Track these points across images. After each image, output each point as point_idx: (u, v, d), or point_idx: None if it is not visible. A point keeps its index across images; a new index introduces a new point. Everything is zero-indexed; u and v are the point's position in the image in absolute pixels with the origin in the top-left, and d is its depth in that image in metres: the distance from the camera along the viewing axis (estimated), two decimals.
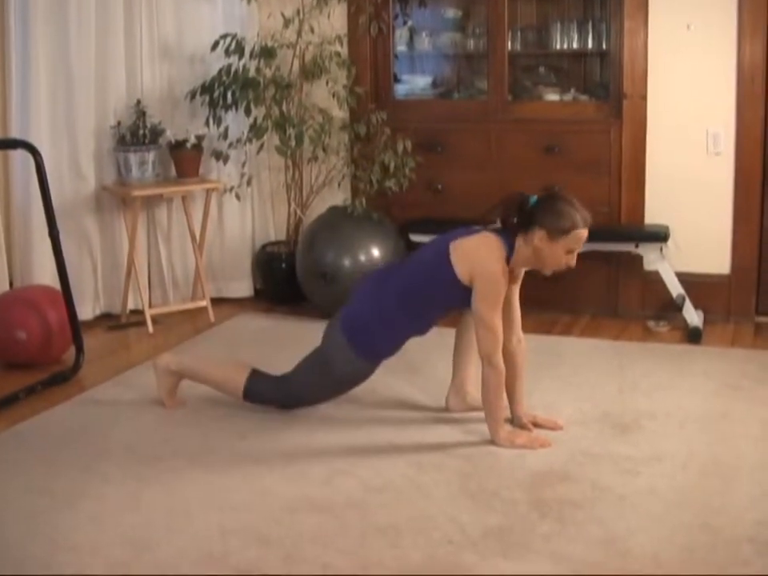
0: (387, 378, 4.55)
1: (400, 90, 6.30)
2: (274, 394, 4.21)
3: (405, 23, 6.31)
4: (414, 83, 6.33)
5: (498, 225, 3.92)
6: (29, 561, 3.06)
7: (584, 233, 3.81)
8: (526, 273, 4.06)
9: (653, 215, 5.71)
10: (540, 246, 3.79)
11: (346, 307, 4.12)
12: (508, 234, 3.85)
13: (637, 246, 5.53)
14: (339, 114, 6.09)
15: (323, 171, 6.16)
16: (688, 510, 3.34)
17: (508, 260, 3.84)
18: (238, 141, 5.97)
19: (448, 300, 3.97)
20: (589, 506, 3.37)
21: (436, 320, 4.10)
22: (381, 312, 4.00)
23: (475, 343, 4.02)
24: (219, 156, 5.94)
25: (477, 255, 3.81)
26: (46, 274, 5.40)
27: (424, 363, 4.81)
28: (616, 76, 5.72)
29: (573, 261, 3.87)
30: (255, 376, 4.20)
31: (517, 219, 3.83)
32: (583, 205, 3.84)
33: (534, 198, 3.83)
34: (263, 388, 4.21)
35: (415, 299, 3.97)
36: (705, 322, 5.47)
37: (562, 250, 3.80)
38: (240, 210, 6.25)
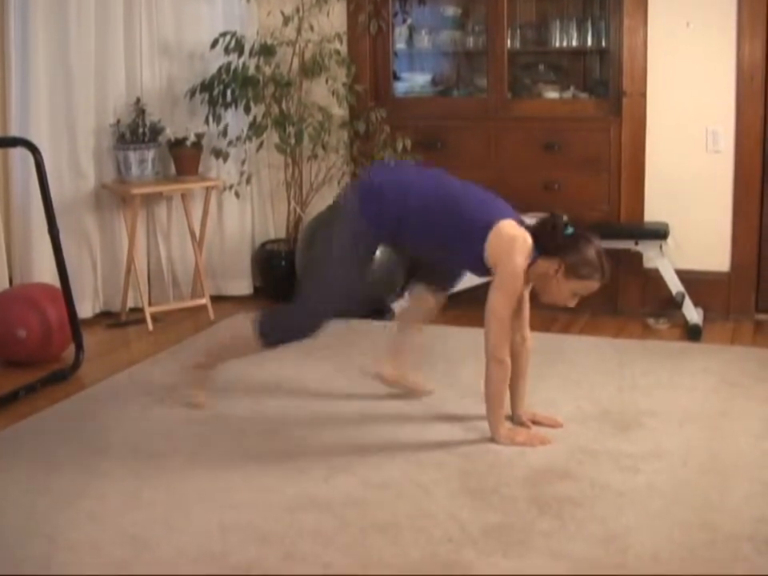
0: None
1: (399, 87, 6.30)
2: (290, 317, 4.11)
3: (404, 21, 6.31)
4: (414, 81, 6.33)
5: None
6: (28, 559, 3.06)
7: (596, 285, 3.84)
8: None
9: (652, 213, 5.72)
10: (553, 275, 3.79)
11: (373, 177, 4.14)
12: (538, 249, 3.84)
13: (636, 244, 5.53)
14: (339, 111, 6.09)
15: (323, 169, 6.16)
16: (687, 508, 3.34)
17: (529, 265, 3.83)
18: (238, 139, 5.97)
19: (461, 255, 3.94)
20: (588, 504, 3.38)
21: (434, 253, 4.08)
22: (400, 214, 3.93)
23: (523, 368, 4.07)
24: (219, 154, 5.94)
25: (510, 247, 3.77)
26: (45, 272, 5.40)
27: (426, 361, 4.81)
28: (615, 74, 5.72)
29: (573, 303, 3.89)
30: (260, 314, 4.10)
31: (546, 241, 3.81)
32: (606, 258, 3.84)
33: (570, 230, 3.81)
34: (275, 317, 4.13)
35: (435, 228, 3.91)
36: (704, 319, 5.48)
37: (569, 290, 3.82)
38: (240, 208, 6.25)
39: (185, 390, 4.38)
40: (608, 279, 3.86)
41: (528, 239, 3.81)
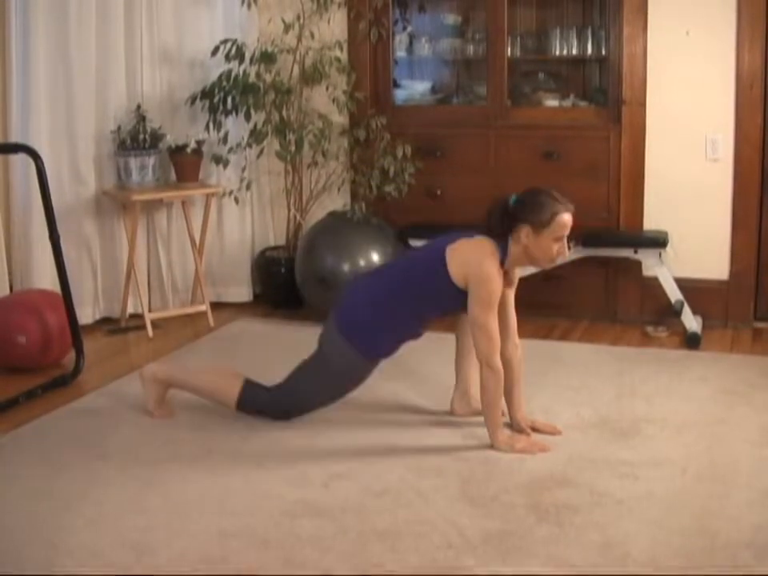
0: (386, 383, 4.56)
1: (399, 95, 6.31)
2: (269, 403, 4.19)
3: (404, 29, 6.32)
4: (414, 89, 6.34)
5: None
6: (29, 564, 3.07)
7: (567, 217, 3.85)
8: (524, 277, 4.07)
9: (652, 221, 5.72)
10: (527, 242, 3.82)
11: (338, 308, 4.14)
12: (501, 240, 3.87)
13: (636, 252, 5.54)
14: (339, 119, 6.10)
15: (323, 176, 6.17)
16: (686, 515, 3.35)
17: (502, 263, 3.86)
18: (238, 146, 5.98)
19: (441, 302, 3.99)
20: (587, 511, 3.38)
21: (430, 321, 4.11)
22: (374, 312, 4.02)
23: (518, 375, 4.09)
24: (219, 161, 5.95)
25: (472, 258, 3.83)
26: (46, 278, 5.41)
27: (423, 367, 4.82)
28: (615, 82, 5.73)
29: (564, 249, 3.89)
30: (249, 385, 4.18)
31: (501, 222, 3.86)
32: (564, 196, 3.88)
33: (513, 198, 3.88)
34: (258, 397, 4.19)
35: (408, 300, 3.98)
36: (703, 327, 5.48)
37: (549, 241, 3.83)
38: (240, 215, 6.26)
39: (152, 408, 4.34)
40: (572, 207, 3.87)
41: (484, 241, 3.87)
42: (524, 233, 3.82)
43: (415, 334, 4.13)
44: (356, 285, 4.25)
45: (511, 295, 4.08)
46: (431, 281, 3.93)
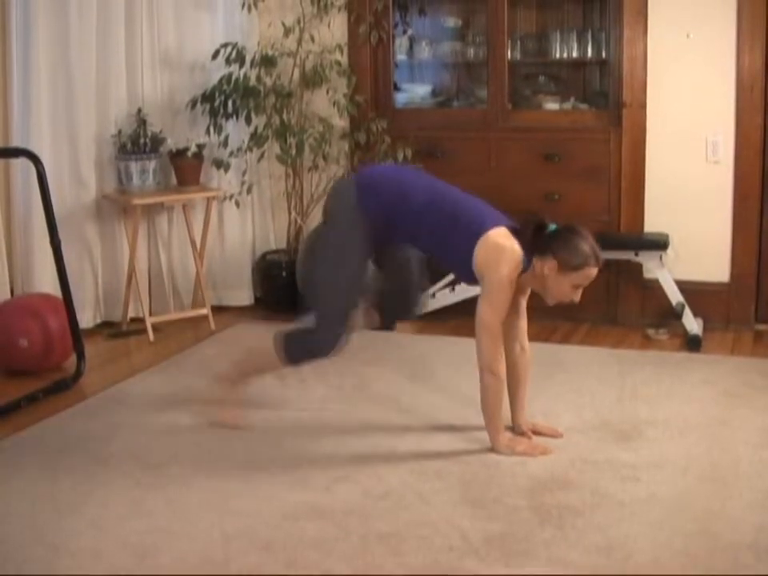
0: (388, 386, 4.56)
1: (400, 98, 6.32)
2: (307, 336, 4.04)
3: (405, 32, 6.33)
4: (414, 92, 6.35)
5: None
6: (31, 566, 3.07)
7: (594, 271, 3.79)
8: None
9: (652, 223, 5.73)
10: (548, 274, 3.78)
11: (369, 171, 4.15)
12: (529, 253, 3.82)
13: (636, 254, 5.54)
14: (339, 122, 6.11)
15: (323, 179, 6.17)
16: (688, 516, 3.34)
17: (521, 274, 3.83)
18: (239, 149, 5.98)
19: (451, 255, 3.94)
20: (589, 513, 3.38)
21: (426, 251, 4.09)
22: (398, 198, 3.94)
23: (523, 378, 4.08)
24: (220, 164, 5.95)
25: (496, 258, 3.77)
26: (46, 282, 5.41)
27: (426, 371, 4.82)
28: (615, 84, 5.74)
29: (577, 296, 3.86)
30: (282, 338, 4.07)
31: (532, 243, 3.79)
32: (597, 243, 3.81)
33: (553, 227, 3.81)
34: (296, 340, 4.07)
35: (430, 227, 3.90)
36: (704, 329, 5.48)
37: (568, 284, 3.79)
38: (240, 219, 6.26)
39: (217, 411, 4.31)
40: (603, 260, 3.81)
41: (517, 249, 3.79)
42: (549, 266, 3.76)
43: (411, 243, 4.07)
44: (399, 174, 4.18)
45: (524, 300, 4.06)
46: (455, 242, 3.86)
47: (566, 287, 3.81)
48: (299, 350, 4.07)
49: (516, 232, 3.85)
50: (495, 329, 3.80)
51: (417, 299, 4.33)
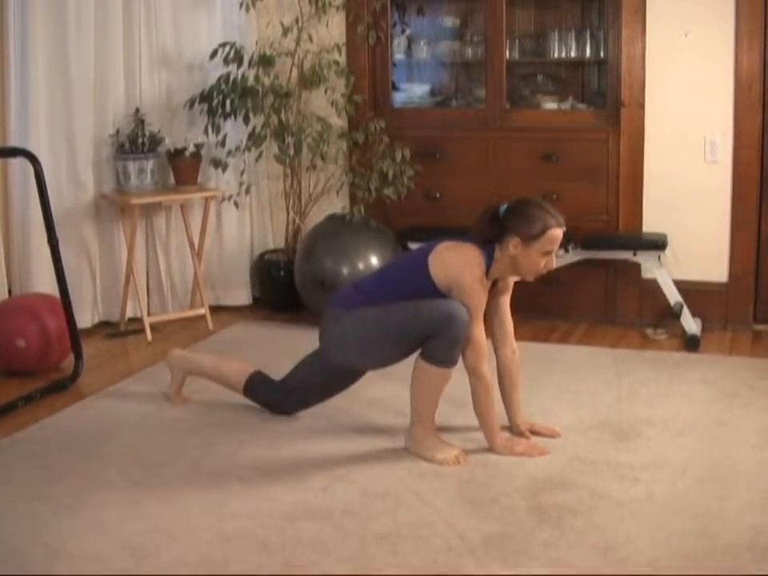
0: (386, 385, 4.56)
1: (398, 98, 6.31)
2: (273, 390, 4.30)
3: (403, 32, 6.32)
4: (412, 91, 6.34)
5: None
6: (29, 567, 3.07)
7: (557, 232, 3.79)
8: (521, 281, 4.05)
9: (651, 223, 5.72)
10: (515, 253, 3.77)
11: (332, 298, 4.22)
12: (488, 246, 3.84)
13: (635, 254, 5.54)
14: (338, 122, 6.10)
15: (322, 179, 6.17)
16: (686, 517, 3.34)
17: (487, 271, 3.84)
18: (237, 149, 5.98)
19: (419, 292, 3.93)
20: (587, 513, 3.38)
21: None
22: (368, 300, 4.00)
23: (509, 376, 4.08)
24: (218, 164, 5.95)
25: (454, 266, 3.79)
26: (44, 282, 5.41)
27: None
28: (614, 84, 5.73)
29: (551, 263, 3.85)
30: (259, 375, 4.33)
31: (490, 230, 3.81)
32: (556, 208, 3.84)
33: (503, 207, 3.82)
34: (264, 385, 4.31)
35: (397, 299, 3.93)
36: (702, 329, 5.48)
37: (537, 254, 3.78)
38: (238, 218, 6.26)
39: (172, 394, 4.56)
40: (563, 220, 3.81)
41: (471, 248, 3.81)
42: (512, 244, 3.76)
43: None
44: (351, 284, 4.25)
45: (506, 301, 4.05)
46: (416, 286, 3.88)
47: (536, 258, 3.80)
48: (260, 396, 4.36)
49: (471, 233, 3.89)
50: (475, 334, 3.79)
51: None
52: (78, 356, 4.94)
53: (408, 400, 3.96)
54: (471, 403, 3.92)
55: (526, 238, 3.75)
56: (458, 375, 4.04)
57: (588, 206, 5.79)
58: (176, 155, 5.82)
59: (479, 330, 3.81)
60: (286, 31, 5.94)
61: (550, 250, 3.80)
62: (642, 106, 5.65)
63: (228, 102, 5.88)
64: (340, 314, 4.02)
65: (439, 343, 3.78)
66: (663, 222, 5.68)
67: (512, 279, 4.02)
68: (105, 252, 5.86)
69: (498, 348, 4.04)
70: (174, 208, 6.02)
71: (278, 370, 4.31)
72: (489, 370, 3.88)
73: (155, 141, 5.76)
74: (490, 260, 3.82)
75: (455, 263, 3.80)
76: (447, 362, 3.82)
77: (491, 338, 4.03)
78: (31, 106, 5.42)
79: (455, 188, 6.02)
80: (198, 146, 5.85)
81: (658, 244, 5.52)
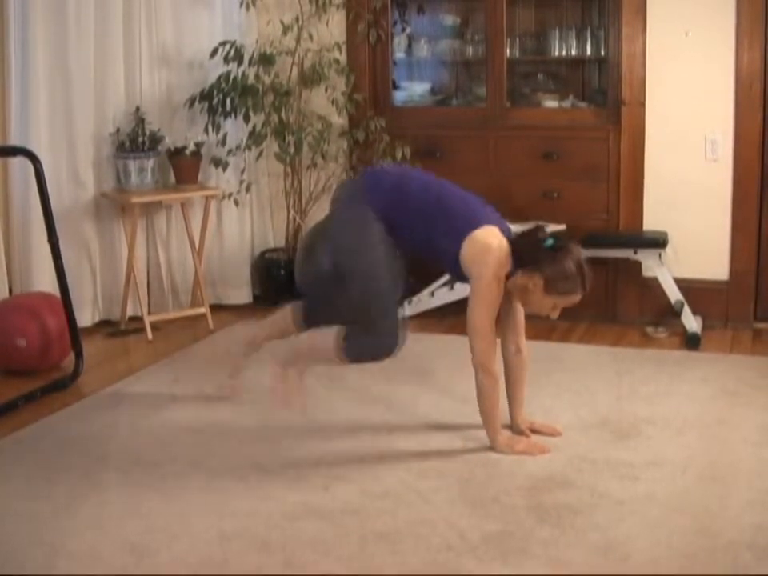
0: (387, 384, 4.56)
1: (398, 96, 6.32)
2: (367, 338, 4.05)
3: (403, 30, 6.33)
4: (413, 90, 6.34)
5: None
6: (29, 566, 3.06)
7: (578, 298, 3.80)
8: None
9: (651, 221, 5.72)
10: (532, 289, 3.76)
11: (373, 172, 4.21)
12: (517, 259, 3.82)
13: (635, 252, 5.54)
14: (338, 120, 6.10)
15: (322, 178, 6.17)
16: (687, 516, 3.34)
17: (507, 278, 3.82)
18: (237, 148, 5.98)
19: (441, 251, 3.91)
20: (588, 512, 3.38)
21: (420, 249, 4.03)
22: (401, 191, 3.98)
23: (513, 373, 4.06)
24: (218, 163, 5.95)
25: (481, 260, 3.77)
26: (45, 281, 5.40)
27: (424, 370, 4.81)
28: (614, 82, 5.73)
29: (556, 315, 3.87)
30: (345, 343, 4.06)
31: (525, 253, 3.77)
32: (589, 268, 3.79)
33: (550, 242, 3.76)
34: (359, 343, 4.07)
35: (425, 221, 3.91)
36: (703, 328, 5.48)
37: (550, 302, 3.79)
38: (239, 217, 6.26)
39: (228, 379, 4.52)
40: (588, 290, 3.80)
41: (504, 248, 3.79)
42: (534, 281, 3.74)
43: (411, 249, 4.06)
44: (402, 169, 4.27)
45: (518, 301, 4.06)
46: (444, 236, 3.85)
47: (547, 304, 3.81)
48: (363, 353, 4.09)
49: (510, 238, 3.86)
50: (486, 328, 3.78)
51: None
52: (79, 355, 4.94)
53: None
54: (472, 400, 3.91)
55: (550, 286, 3.74)
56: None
57: (588, 205, 5.79)
58: (176, 154, 5.82)
59: (490, 325, 3.80)
60: (286, 30, 5.94)
61: (562, 306, 3.83)
62: (643, 105, 5.64)
63: (228, 101, 5.88)
64: (358, 208, 3.97)
65: (359, 339, 3.95)
66: (664, 221, 5.68)
67: None
68: (105, 251, 5.85)
69: (504, 345, 4.03)
70: (175, 207, 6.02)
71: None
72: (498, 367, 3.88)
73: (155, 139, 5.75)
74: (513, 270, 3.80)
75: (485, 257, 3.77)
76: (347, 354, 4.01)
77: (500, 335, 4.01)
78: (31, 104, 5.42)
79: None
80: (199, 145, 5.84)
81: (658, 242, 5.51)
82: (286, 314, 4.33)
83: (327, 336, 4.10)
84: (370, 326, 3.98)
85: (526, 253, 3.78)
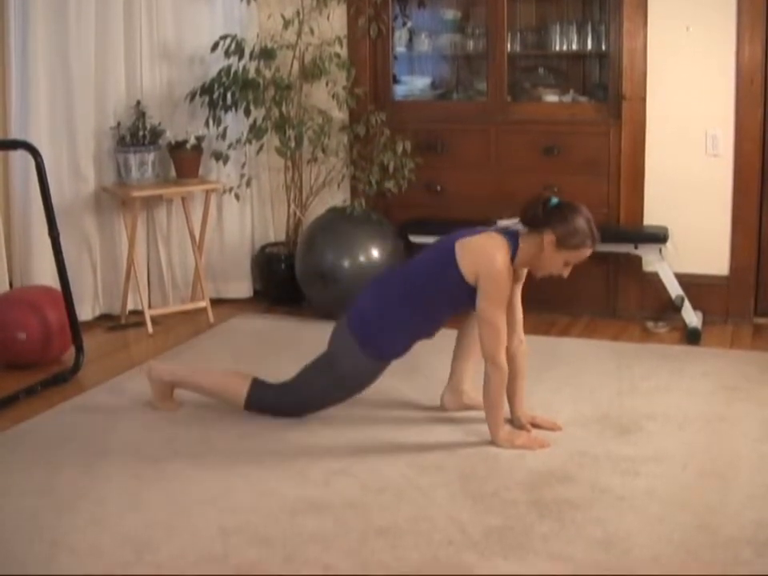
0: (388, 379, 4.55)
1: (399, 91, 6.31)
2: (278, 401, 4.19)
3: (404, 24, 6.31)
4: (414, 84, 6.34)
5: (505, 224, 3.95)
6: (29, 561, 3.07)
7: (588, 252, 3.86)
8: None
9: (652, 216, 5.72)
10: (545, 247, 3.80)
11: (352, 308, 4.12)
12: (512, 234, 3.86)
13: (636, 247, 5.54)
14: (339, 115, 6.10)
15: (323, 172, 6.17)
16: (687, 511, 3.34)
17: (512, 260, 3.84)
18: (238, 142, 5.97)
19: (453, 300, 3.96)
20: (588, 507, 3.38)
21: (442, 321, 4.08)
22: (386, 312, 4.00)
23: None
24: (219, 157, 5.94)
25: (483, 253, 3.81)
26: (45, 275, 5.41)
27: (424, 364, 4.81)
28: (615, 77, 5.72)
29: (567, 272, 3.91)
30: (257, 384, 4.18)
31: (536, 216, 3.82)
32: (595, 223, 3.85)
33: (555, 200, 3.85)
34: (266, 396, 4.18)
35: (420, 299, 3.96)
36: (703, 322, 5.48)
37: (561, 260, 3.83)
38: (239, 211, 6.26)
39: (157, 404, 4.39)
40: (598, 244, 3.86)
41: (495, 237, 3.85)
42: (547, 239, 3.78)
43: (427, 334, 4.11)
44: (369, 287, 4.21)
45: (518, 290, 4.07)
46: (442, 279, 3.90)
47: (558, 262, 3.85)
48: (261, 405, 4.21)
49: (491, 229, 3.92)
50: (498, 323, 3.81)
51: None
52: (79, 349, 4.94)
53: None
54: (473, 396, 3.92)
55: (561, 241, 3.78)
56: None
57: (589, 199, 5.71)
58: (177, 148, 5.82)
59: (501, 317, 3.82)
60: (287, 24, 5.93)
61: (574, 262, 3.87)
62: (644, 99, 5.64)
63: (229, 95, 5.88)
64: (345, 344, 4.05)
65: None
66: (664, 216, 5.68)
67: (524, 270, 4.03)
68: (106, 245, 5.86)
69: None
70: (175, 201, 6.02)
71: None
72: (506, 360, 3.89)
73: (156, 133, 5.75)
74: (514, 249, 3.85)
75: (484, 250, 3.81)
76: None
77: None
78: (32, 98, 5.42)
79: (456, 181, 6.02)
80: (199, 139, 5.84)
81: (659, 237, 5.52)
82: (239, 382, 4.23)
83: (234, 380, 4.24)
84: (288, 403, 4.20)
85: (534, 214, 3.83)
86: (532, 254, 3.84)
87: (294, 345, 4.58)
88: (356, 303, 4.12)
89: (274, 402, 4.19)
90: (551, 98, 6.00)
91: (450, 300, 3.97)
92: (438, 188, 6.06)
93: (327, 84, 6.01)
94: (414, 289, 3.98)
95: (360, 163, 6.02)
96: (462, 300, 3.92)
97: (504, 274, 3.79)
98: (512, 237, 3.86)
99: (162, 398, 4.36)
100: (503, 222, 3.98)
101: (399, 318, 4.00)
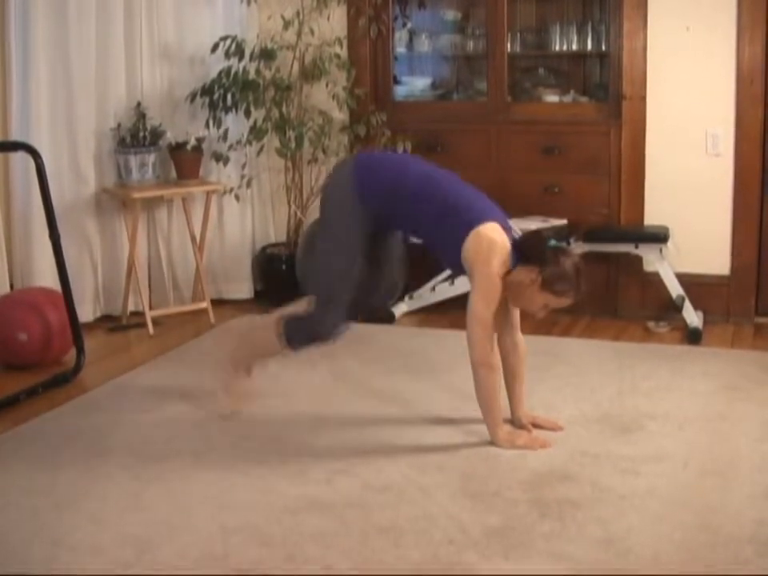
0: (389, 379, 4.57)
1: (400, 91, 6.31)
2: (309, 318, 4.07)
3: (404, 25, 6.33)
4: (414, 85, 6.34)
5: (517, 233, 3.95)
6: (30, 561, 3.07)
7: (568, 302, 3.85)
8: None
9: (652, 216, 5.72)
10: (529, 284, 3.78)
11: (366, 156, 4.13)
12: (518, 256, 3.83)
13: (636, 247, 5.54)
14: (339, 115, 6.10)
15: (323, 173, 6.15)
16: (688, 510, 3.34)
17: (506, 273, 3.83)
18: (238, 143, 5.98)
19: (443, 244, 3.94)
20: (589, 506, 3.38)
21: (420, 237, 4.07)
22: (398, 186, 3.95)
23: (519, 362, 4.07)
24: (219, 158, 5.95)
25: (487, 252, 3.77)
26: (46, 276, 5.41)
27: (426, 364, 4.81)
28: (615, 77, 5.73)
29: (543, 314, 3.90)
30: (286, 322, 4.11)
31: (528, 248, 3.80)
32: (586, 277, 3.84)
33: (553, 243, 3.85)
34: (296, 322, 4.11)
35: (425, 214, 3.91)
36: (704, 322, 5.48)
37: (542, 301, 3.81)
38: (240, 212, 6.26)
39: (220, 401, 4.33)
40: (581, 297, 3.85)
41: (507, 245, 3.81)
42: (534, 276, 3.76)
43: (413, 230, 4.08)
44: (398, 158, 4.16)
45: None
46: (447, 230, 3.86)
47: (538, 301, 3.83)
48: (299, 335, 4.10)
49: (509, 229, 3.88)
50: (487, 322, 3.79)
51: (391, 293, 4.34)
52: (80, 350, 4.94)
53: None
54: (473, 395, 3.91)
55: (545, 285, 3.77)
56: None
57: (590, 199, 5.79)
58: (177, 149, 5.82)
59: (491, 317, 3.81)
60: (287, 24, 5.94)
61: (552, 307, 3.86)
62: (644, 99, 5.64)
63: (229, 96, 5.88)
64: (350, 208, 3.96)
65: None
66: (665, 215, 5.68)
67: None
68: (106, 246, 5.86)
69: (500, 340, 4.03)
70: (176, 202, 6.03)
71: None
72: (497, 361, 3.89)
73: (156, 134, 5.75)
74: (514, 266, 3.81)
75: (489, 252, 3.78)
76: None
77: (497, 330, 4.01)
78: (32, 99, 5.42)
79: None
80: (200, 140, 5.84)
81: (659, 237, 5.52)
82: (268, 325, 4.19)
83: (268, 329, 4.16)
84: (314, 313, 4.05)
85: (531, 250, 3.80)
86: (518, 282, 3.81)
87: None
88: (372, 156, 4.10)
89: (305, 321, 4.09)
90: (551, 98, 6.01)
91: (444, 242, 3.93)
92: None
93: (327, 85, 6.02)
94: (426, 205, 3.90)
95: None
96: (451, 257, 3.89)
97: (496, 280, 3.77)
98: (515, 257, 3.82)
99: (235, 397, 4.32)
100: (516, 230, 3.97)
101: (404, 193, 3.94)
